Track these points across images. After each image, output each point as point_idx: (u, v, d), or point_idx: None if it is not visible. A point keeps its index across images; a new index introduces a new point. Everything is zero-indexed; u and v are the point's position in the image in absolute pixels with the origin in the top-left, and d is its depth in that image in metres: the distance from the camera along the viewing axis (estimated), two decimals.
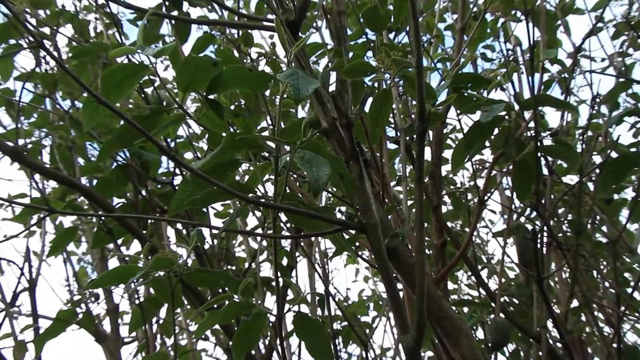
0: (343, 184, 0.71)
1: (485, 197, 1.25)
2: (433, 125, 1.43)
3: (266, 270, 2.61)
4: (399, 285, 0.93)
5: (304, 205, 0.73)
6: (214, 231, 1.64)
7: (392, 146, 1.52)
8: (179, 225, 1.53)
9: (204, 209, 1.53)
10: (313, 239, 2.10)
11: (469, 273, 1.97)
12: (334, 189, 1.35)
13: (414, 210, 1.29)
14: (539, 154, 1.03)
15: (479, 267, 1.84)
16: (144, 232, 1.33)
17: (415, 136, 0.70)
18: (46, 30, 1.46)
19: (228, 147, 0.67)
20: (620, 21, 1.64)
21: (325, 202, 2.40)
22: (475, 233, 2.04)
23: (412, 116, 1.36)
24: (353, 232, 1.04)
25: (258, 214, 2.35)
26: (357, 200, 0.75)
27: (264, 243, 2.28)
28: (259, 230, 1.95)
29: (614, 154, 1.10)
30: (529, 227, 1.42)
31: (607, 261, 1.41)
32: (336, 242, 0.75)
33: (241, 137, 0.66)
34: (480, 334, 1.45)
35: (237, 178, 2.49)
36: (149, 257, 0.84)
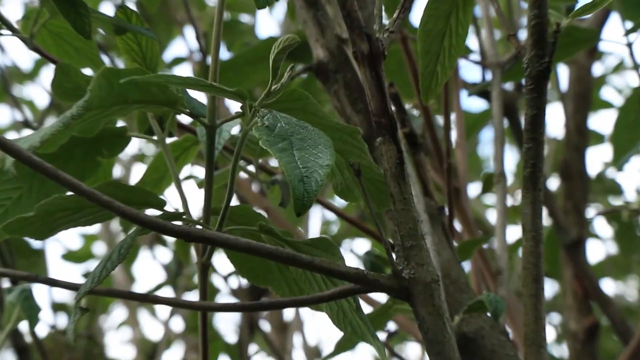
0: (360, 190, 0.73)
1: None
2: (567, 58, 1.46)
3: None
4: None
5: (272, 237, 0.75)
6: (64, 295, 1.64)
7: (472, 104, 1.55)
8: None
9: (39, 242, 1.55)
10: (291, 313, 2.11)
11: None
12: (341, 200, 1.37)
13: (520, 250, 1.32)
14: None
15: None
16: None
17: (525, 82, 0.72)
18: None
19: (101, 101, 0.69)
20: None
21: (320, 231, 2.40)
22: None
23: (519, 38, 1.38)
24: (383, 297, 1.06)
25: (166, 255, 2.35)
26: (392, 227, 0.77)
27: (178, 325, 2.29)
28: (167, 293, 1.95)
29: None
30: None
31: None
32: (343, 322, 0.77)
33: (131, 80, 0.68)
34: None
35: (119, 173, 2.51)
36: None
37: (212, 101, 0.76)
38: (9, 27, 0.85)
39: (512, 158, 2.46)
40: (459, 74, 1.37)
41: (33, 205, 0.73)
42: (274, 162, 1.57)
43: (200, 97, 0.78)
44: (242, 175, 1.50)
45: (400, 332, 1.28)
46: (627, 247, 1.87)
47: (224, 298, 2.33)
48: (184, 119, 0.95)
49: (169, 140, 0.86)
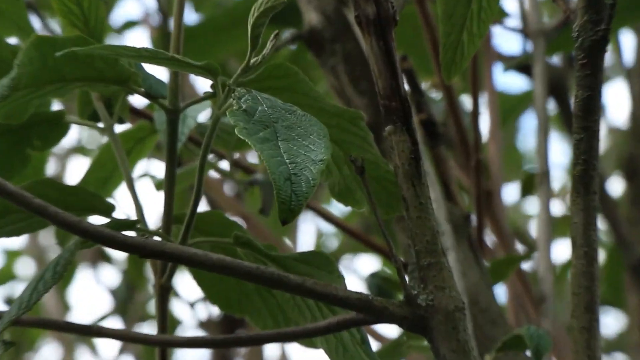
0: (364, 192, 0.74)
1: None
2: (631, 24, 1.46)
3: None
4: None
5: (251, 251, 0.75)
6: None
7: (509, 82, 1.56)
8: None
9: None
10: (276, 349, 2.11)
11: None
12: (340, 205, 1.38)
13: (569, 273, 1.33)
14: None
15: None
16: None
17: (575, 55, 0.72)
18: None
19: (31, 79, 0.70)
20: None
21: (316, 244, 2.39)
22: None
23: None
24: (394, 330, 1.07)
25: (113, 275, 2.35)
26: (404, 240, 0.78)
27: None
28: (114, 324, 1.95)
29: None
30: None
31: None
32: (343, 358, 0.77)
33: (70, 53, 0.68)
34: None
35: (53, 170, 2.51)
36: None
37: (174, 78, 0.76)
38: None
39: (561, 152, 2.46)
40: (492, 44, 1.38)
41: None
42: (253, 157, 1.57)
43: (160, 72, 0.78)
44: (213, 173, 1.51)
45: None
46: None
47: (188, 331, 2.33)
48: (139, 101, 0.95)
49: (118, 128, 0.86)
